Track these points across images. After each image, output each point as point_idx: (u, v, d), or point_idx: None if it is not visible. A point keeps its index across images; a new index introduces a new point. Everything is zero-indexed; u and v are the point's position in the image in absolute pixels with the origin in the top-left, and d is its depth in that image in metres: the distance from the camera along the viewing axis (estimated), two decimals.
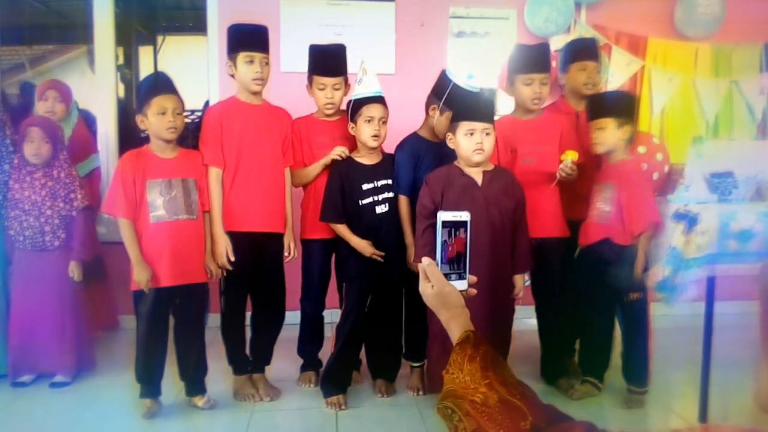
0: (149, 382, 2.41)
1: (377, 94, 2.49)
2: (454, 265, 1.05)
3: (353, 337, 2.55)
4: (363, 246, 2.48)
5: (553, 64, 3.31)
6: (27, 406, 2.56)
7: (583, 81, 2.76)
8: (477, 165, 2.35)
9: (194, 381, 2.50)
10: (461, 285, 1.05)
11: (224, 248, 2.45)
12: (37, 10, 4.97)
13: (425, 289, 1.00)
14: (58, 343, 2.71)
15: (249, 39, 2.48)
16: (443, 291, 0.99)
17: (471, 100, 2.39)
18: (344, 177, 2.51)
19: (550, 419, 0.77)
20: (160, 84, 2.38)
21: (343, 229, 2.51)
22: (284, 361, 2.80)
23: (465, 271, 1.06)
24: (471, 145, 2.30)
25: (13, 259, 2.73)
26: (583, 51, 2.82)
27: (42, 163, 2.68)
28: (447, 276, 1.03)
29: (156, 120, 2.32)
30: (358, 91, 2.50)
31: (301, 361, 2.80)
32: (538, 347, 2.78)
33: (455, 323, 0.95)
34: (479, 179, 2.35)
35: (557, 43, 3.63)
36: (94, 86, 3.71)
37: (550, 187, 2.59)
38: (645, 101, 3.78)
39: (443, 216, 1.04)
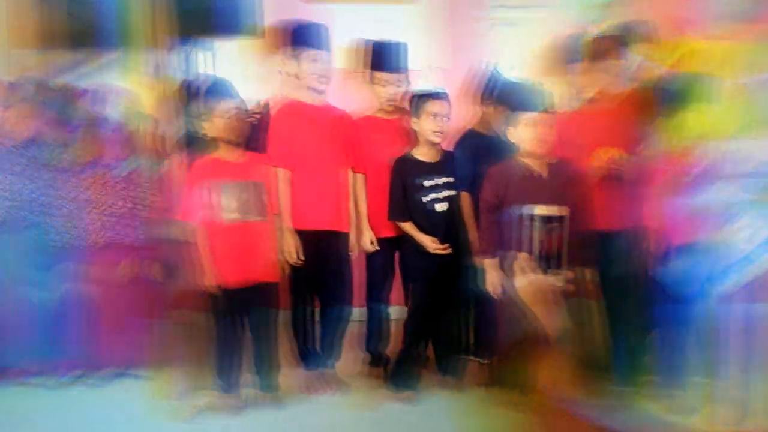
0: (228, 377, 2.50)
1: (442, 91, 2.50)
2: (550, 261, 1.06)
3: (420, 334, 2.59)
4: (428, 242, 2.50)
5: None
6: (102, 396, 2.71)
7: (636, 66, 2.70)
8: (540, 157, 2.33)
9: (267, 377, 2.58)
10: (557, 281, 1.06)
11: (294, 246, 2.53)
12: (82, 12, 5.12)
13: (520, 284, 1.01)
14: (130, 339, 2.84)
15: (312, 37, 2.54)
16: (539, 287, 1.00)
17: (525, 92, 2.38)
18: (404, 175, 2.54)
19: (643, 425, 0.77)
20: (221, 89, 2.48)
21: (408, 227, 2.54)
22: (352, 356, 2.86)
23: (561, 267, 1.07)
24: (532, 137, 2.29)
25: (81, 257, 2.82)
26: (634, 33, 2.74)
27: (95, 164, 2.79)
28: (542, 272, 1.04)
29: (221, 124, 2.41)
30: (422, 87, 2.52)
31: (368, 357, 2.86)
32: None
33: (551, 319, 0.96)
34: (542, 172, 2.34)
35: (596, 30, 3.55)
36: (146, 89, 3.82)
37: (611, 180, 2.55)
38: None
39: (539, 211, 1.04)
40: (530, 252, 1.04)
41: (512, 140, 2.37)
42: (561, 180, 2.34)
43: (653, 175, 2.45)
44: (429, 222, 2.53)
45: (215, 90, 2.50)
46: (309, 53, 2.51)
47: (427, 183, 2.54)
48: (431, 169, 2.55)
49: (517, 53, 3.44)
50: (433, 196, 2.54)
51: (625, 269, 2.58)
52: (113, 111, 3.14)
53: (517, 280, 1.03)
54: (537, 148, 2.30)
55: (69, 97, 3.36)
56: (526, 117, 2.30)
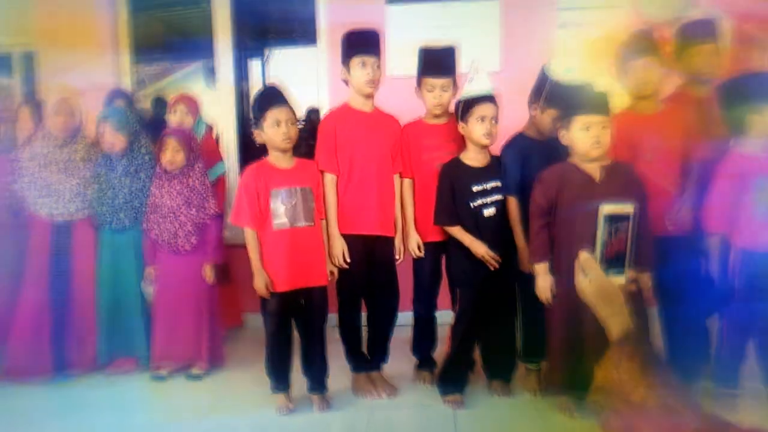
0: (278, 376, 2.55)
1: (489, 93, 2.48)
2: (614, 260, 1.03)
3: (467, 339, 2.56)
4: (478, 246, 2.47)
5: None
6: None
7: (701, 65, 2.58)
8: (594, 160, 2.27)
9: (316, 378, 2.60)
10: (620, 280, 1.02)
11: (340, 250, 2.56)
12: (162, 28, 5.36)
13: (582, 284, 0.97)
14: (193, 338, 2.93)
15: (362, 43, 2.57)
16: (602, 286, 0.96)
17: (579, 94, 2.32)
18: (453, 179, 2.52)
19: (714, 427, 0.74)
20: (273, 96, 2.51)
21: (457, 231, 2.51)
22: (400, 360, 2.86)
23: (624, 266, 1.03)
24: (588, 140, 2.24)
25: (155, 259, 2.95)
26: (699, 32, 2.62)
27: (178, 171, 2.91)
28: (605, 270, 0.99)
29: (272, 132, 2.45)
30: (469, 90, 2.50)
31: (415, 361, 2.84)
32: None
33: (615, 320, 0.92)
34: (596, 175, 2.28)
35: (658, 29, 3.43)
36: (214, 98, 3.97)
37: (674, 185, 2.45)
38: None
39: (606, 209, 1.01)
40: (593, 250, 1.00)
41: (566, 143, 2.32)
42: (616, 184, 2.27)
43: (715, 177, 2.34)
44: (477, 227, 2.50)
45: (267, 96, 2.54)
46: (358, 58, 2.53)
47: (475, 188, 2.51)
48: (480, 174, 2.53)
49: (571, 54, 3.37)
50: (481, 201, 2.51)
51: (684, 273, 2.48)
52: (188, 121, 3.27)
53: (578, 280, 0.98)
54: (592, 151, 2.24)
55: (157, 106, 3.53)
56: (581, 119, 2.25)
